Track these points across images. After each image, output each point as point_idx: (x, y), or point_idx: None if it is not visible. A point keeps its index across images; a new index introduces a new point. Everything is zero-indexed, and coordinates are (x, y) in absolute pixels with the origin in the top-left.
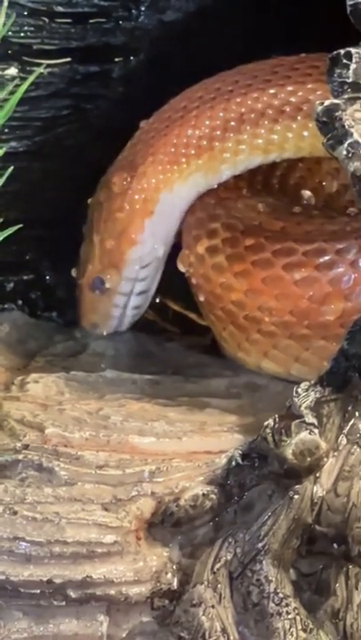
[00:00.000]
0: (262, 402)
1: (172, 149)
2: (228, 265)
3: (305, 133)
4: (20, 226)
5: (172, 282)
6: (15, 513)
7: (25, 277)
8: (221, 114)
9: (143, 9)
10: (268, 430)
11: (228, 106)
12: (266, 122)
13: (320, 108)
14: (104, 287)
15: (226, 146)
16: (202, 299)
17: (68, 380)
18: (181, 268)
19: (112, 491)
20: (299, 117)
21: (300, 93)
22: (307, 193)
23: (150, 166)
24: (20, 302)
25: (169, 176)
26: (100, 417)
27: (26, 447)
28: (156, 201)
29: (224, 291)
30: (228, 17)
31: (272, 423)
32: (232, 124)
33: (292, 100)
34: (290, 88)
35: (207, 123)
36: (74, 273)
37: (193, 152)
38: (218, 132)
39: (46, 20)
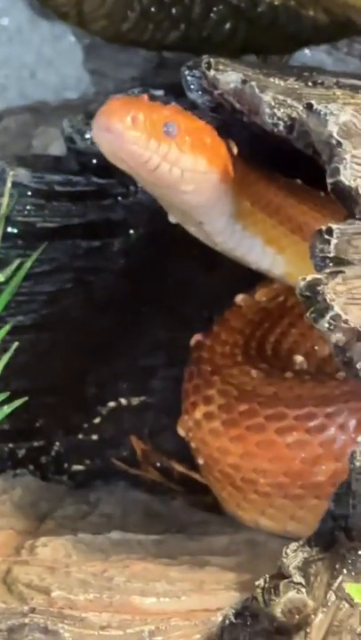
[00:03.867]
0: (261, 558)
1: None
2: (224, 430)
3: None
4: (26, 399)
5: (178, 445)
6: None
7: (36, 444)
8: None
9: (140, 186)
10: (258, 590)
11: None
12: None
13: (303, 283)
14: (171, 134)
15: None
16: (201, 461)
17: (75, 542)
18: (181, 432)
19: None
20: None
21: None
22: (299, 358)
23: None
24: (31, 467)
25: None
26: (104, 578)
27: (32, 611)
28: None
29: (221, 454)
30: None
31: (263, 583)
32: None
33: None
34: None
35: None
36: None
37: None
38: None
39: (48, 199)
